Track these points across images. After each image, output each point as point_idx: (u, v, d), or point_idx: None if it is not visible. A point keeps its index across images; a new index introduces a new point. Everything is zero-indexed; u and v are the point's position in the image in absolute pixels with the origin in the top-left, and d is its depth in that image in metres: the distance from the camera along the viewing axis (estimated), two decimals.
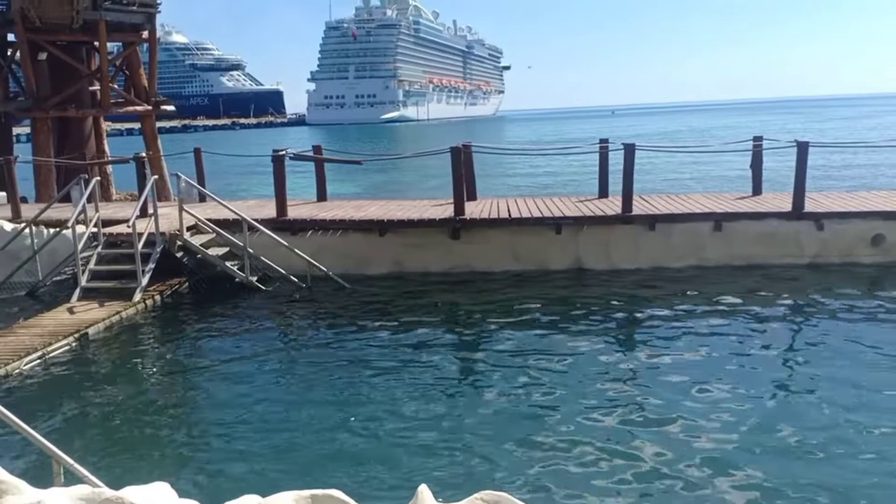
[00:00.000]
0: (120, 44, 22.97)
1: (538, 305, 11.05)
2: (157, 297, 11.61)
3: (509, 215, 13.20)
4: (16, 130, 24.56)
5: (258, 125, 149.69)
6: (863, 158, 31.98)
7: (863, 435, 6.57)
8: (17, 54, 20.76)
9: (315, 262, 12.51)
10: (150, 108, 22.34)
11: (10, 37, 21.16)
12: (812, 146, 13.19)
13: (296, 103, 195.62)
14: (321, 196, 15.85)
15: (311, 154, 15.94)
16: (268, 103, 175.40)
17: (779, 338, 9.39)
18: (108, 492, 3.52)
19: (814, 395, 7.49)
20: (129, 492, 3.40)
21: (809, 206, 12.91)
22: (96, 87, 21.48)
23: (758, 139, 14.76)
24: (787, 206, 12.98)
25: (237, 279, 12.39)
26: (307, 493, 3.32)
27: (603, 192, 14.81)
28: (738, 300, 10.96)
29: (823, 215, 12.80)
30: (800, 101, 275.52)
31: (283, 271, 12.59)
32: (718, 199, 14.27)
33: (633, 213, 12.98)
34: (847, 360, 8.44)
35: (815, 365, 8.35)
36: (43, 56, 20.46)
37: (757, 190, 14.62)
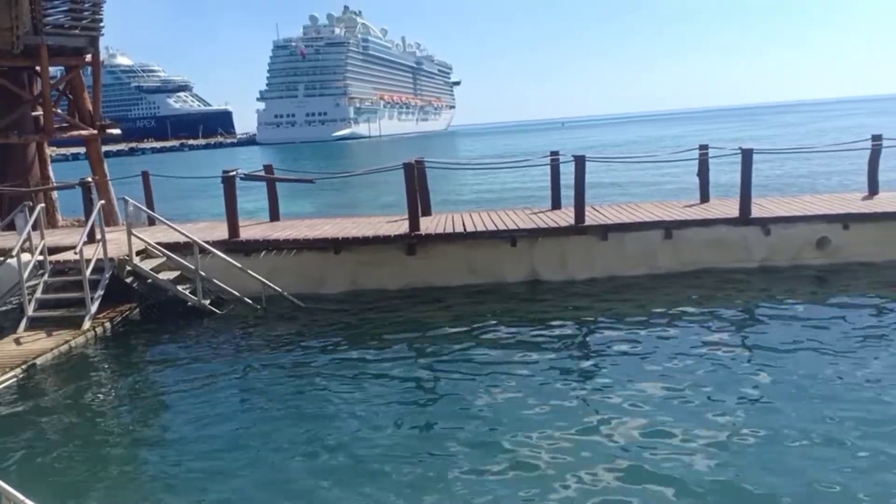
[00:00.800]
0: (63, 68, 22.48)
1: (497, 319, 11.08)
2: (108, 325, 11.35)
3: (464, 229, 13.24)
4: None
5: (207, 146, 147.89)
6: (807, 163, 32.84)
7: (814, 429, 6.75)
8: None
9: (269, 283, 12.38)
10: (94, 132, 21.86)
11: None
12: (756, 153, 13.54)
13: (245, 123, 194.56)
14: (274, 216, 15.72)
15: (262, 174, 15.80)
16: (217, 124, 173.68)
17: (732, 340, 9.56)
18: None
19: (770, 393, 7.66)
20: None
21: (756, 212, 13.22)
22: (39, 112, 20.98)
23: (704, 147, 15.10)
24: (734, 212, 13.28)
25: (190, 303, 12.18)
26: None
27: (556, 204, 14.98)
28: (691, 305, 11.16)
29: (770, 220, 13.11)
30: (743, 109, 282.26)
31: (237, 293, 12.41)
32: (668, 208, 14.53)
33: (586, 223, 13.13)
34: (799, 357, 8.67)
35: (769, 364, 8.53)
36: None
37: (704, 197, 14.94)
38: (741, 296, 11.62)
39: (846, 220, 13.02)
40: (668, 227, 13.07)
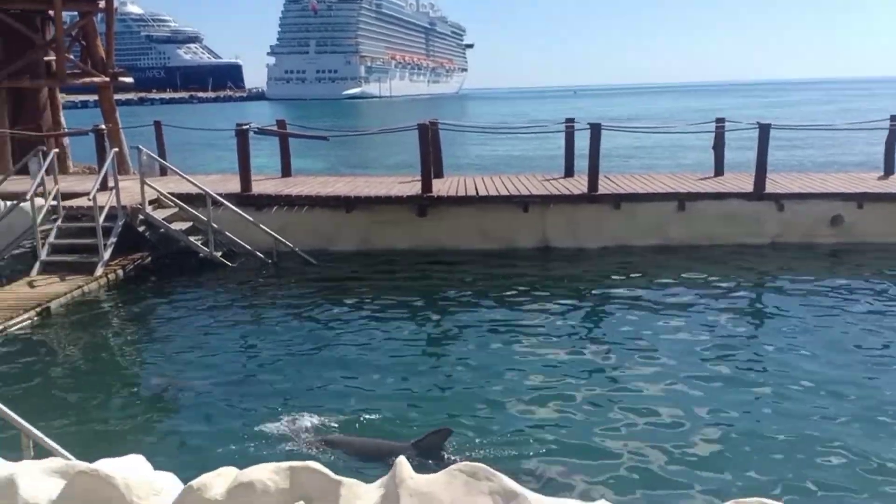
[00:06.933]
0: (76, 13, 22.26)
1: (506, 283, 11.13)
2: (120, 272, 11.42)
3: (476, 193, 13.22)
4: None
5: (216, 99, 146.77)
6: (824, 141, 32.50)
7: (823, 402, 6.83)
8: None
9: (281, 238, 12.40)
10: (107, 79, 21.73)
11: None
12: (773, 128, 13.42)
13: (255, 77, 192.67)
14: (286, 171, 15.68)
15: (275, 129, 15.74)
16: (226, 77, 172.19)
17: (741, 315, 9.60)
18: (82, 464, 3.45)
19: (776, 370, 7.69)
20: (103, 464, 3.34)
21: (770, 187, 13.16)
22: (52, 57, 20.84)
23: (720, 121, 14.99)
24: (748, 186, 13.22)
25: (201, 254, 12.22)
26: (285, 464, 3.29)
27: (569, 172, 14.90)
28: (701, 278, 11.17)
29: (784, 196, 13.05)
30: (760, 84, 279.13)
31: (249, 247, 12.44)
32: (682, 180, 14.47)
33: (599, 192, 13.10)
34: (808, 336, 8.68)
35: (775, 340, 8.57)
36: None
37: (719, 170, 14.85)
38: (752, 270, 11.62)
39: (861, 199, 12.94)
40: (682, 199, 13.02)
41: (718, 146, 14.92)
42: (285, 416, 6.48)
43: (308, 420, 6.43)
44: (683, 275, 11.35)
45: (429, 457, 5.60)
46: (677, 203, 13.02)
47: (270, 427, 6.31)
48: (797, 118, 47.18)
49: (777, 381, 7.37)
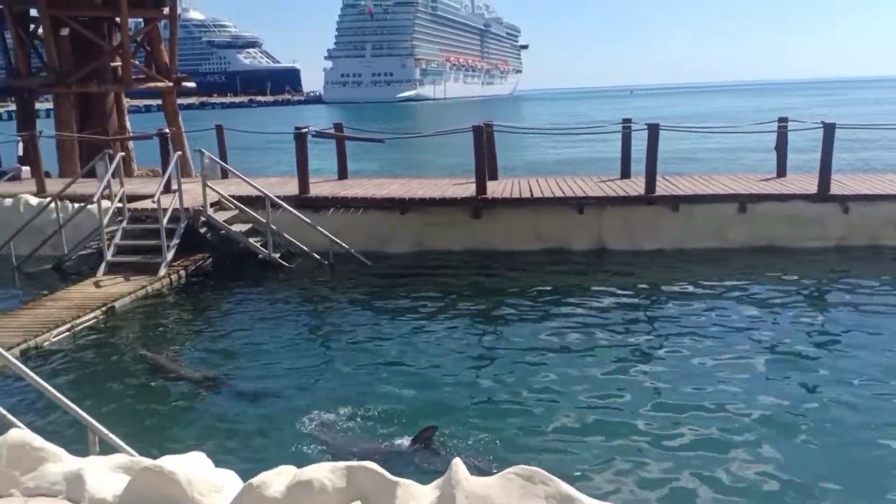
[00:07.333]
0: (141, 20, 22.96)
1: (561, 285, 11.04)
2: (182, 273, 11.69)
3: (531, 195, 13.16)
4: (35, 106, 24.62)
5: (275, 103, 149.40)
6: (890, 140, 31.39)
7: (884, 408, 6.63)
8: (40, 29, 20.81)
9: (337, 240, 12.55)
10: (171, 84, 22.36)
11: (33, 12, 21.22)
12: (839, 128, 13.02)
13: (312, 81, 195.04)
14: (342, 174, 15.86)
15: (332, 132, 15.94)
16: (285, 81, 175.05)
17: (805, 320, 9.32)
18: (146, 460, 3.57)
19: (842, 377, 7.45)
20: (166, 461, 3.44)
21: (835, 189, 12.78)
22: (117, 63, 21.52)
23: (783, 120, 14.60)
24: (812, 188, 12.86)
25: (260, 256, 12.45)
26: (342, 464, 3.35)
27: (625, 173, 14.71)
28: (762, 282, 10.91)
29: (849, 198, 12.66)
30: (819, 83, 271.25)
31: (306, 248, 12.63)
32: (742, 181, 14.16)
33: (656, 193, 12.90)
34: (875, 341, 8.39)
35: (840, 346, 8.33)
36: (65, 31, 20.49)
37: (781, 171, 14.48)
38: (816, 274, 11.29)
39: None
40: (742, 201, 12.74)
41: (781, 147, 14.55)
42: (339, 414, 6.59)
43: (362, 417, 6.53)
44: (744, 278, 11.10)
45: (424, 457, 5.73)
46: (738, 205, 12.75)
47: (325, 424, 6.41)
48: (866, 118, 45.72)
49: (843, 388, 7.15)
